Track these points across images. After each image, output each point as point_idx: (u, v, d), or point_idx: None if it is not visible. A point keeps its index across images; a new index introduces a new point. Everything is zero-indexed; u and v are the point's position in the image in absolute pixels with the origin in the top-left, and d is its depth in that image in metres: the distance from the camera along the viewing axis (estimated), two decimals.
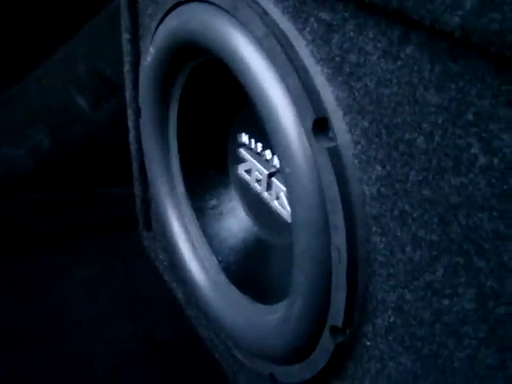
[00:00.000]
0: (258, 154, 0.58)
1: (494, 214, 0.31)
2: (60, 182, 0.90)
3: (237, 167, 0.62)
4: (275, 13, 0.44)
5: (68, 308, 0.75)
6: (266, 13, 0.44)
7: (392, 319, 0.41)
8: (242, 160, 0.60)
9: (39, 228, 0.87)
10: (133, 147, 0.77)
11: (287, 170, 0.42)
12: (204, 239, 0.65)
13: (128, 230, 0.83)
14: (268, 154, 0.56)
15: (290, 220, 0.53)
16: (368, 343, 0.44)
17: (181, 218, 0.66)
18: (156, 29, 0.59)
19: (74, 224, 0.88)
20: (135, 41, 0.70)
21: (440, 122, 0.33)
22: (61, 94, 0.89)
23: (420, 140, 0.34)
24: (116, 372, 0.67)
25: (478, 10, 0.27)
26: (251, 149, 0.59)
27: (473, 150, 0.31)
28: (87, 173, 0.91)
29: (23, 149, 0.88)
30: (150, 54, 0.59)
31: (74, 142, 0.90)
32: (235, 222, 0.64)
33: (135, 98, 0.70)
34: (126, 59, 0.72)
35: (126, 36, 0.70)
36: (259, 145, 0.57)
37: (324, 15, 0.39)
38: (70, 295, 0.77)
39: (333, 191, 0.40)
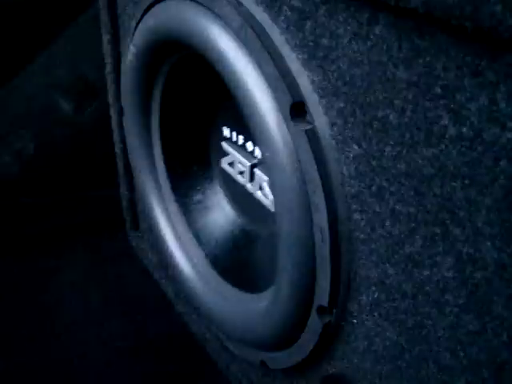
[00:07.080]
0: (240, 146, 0.58)
1: (466, 181, 0.32)
2: (46, 186, 0.90)
3: (220, 161, 0.62)
4: (250, 4, 0.45)
5: (60, 309, 0.76)
6: (240, 4, 0.45)
7: (376, 295, 0.42)
8: (225, 153, 0.61)
9: (28, 232, 0.87)
10: (117, 147, 0.78)
11: (267, 154, 0.43)
12: (191, 234, 0.65)
13: (116, 231, 0.84)
14: (250, 145, 0.57)
15: (273, 209, 0.54)
16: (354, 321, 0.45)
17: (167, 215, 0.67)
18: (135, 28, 0.59)
19: (62, 227, 0.88)
20: (115, 41, 0.71)
21: (410, 97, 0.34)
22: (43, 98, 0.89)
23: (393, 116, 0.35)
24: (109, 369, 0.67)
25: None
26: (233, 142, 0.59)
27: (443, 122, 0.32)
28: (73, 176, 0.92)
29: (8, 155, 0.88)
30: (130, 53, 0.60)
31: (58, 146, 0.90)
32: (221, 215, 0.65)
33: (117, 97, 0.71)
34: (107, 60, 0.72)
35: (106, 37, 0.71)
36: (241, 137, 0.58)
37: (296, 3, 0.40)
38: (61, 296, 0.78)
39: (312, 172, 0.41)
